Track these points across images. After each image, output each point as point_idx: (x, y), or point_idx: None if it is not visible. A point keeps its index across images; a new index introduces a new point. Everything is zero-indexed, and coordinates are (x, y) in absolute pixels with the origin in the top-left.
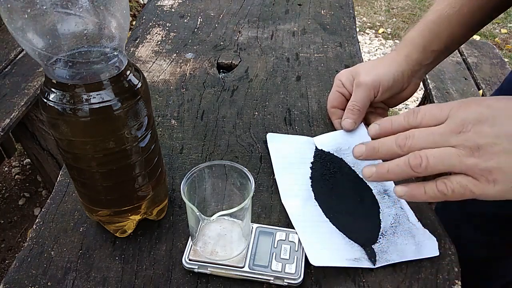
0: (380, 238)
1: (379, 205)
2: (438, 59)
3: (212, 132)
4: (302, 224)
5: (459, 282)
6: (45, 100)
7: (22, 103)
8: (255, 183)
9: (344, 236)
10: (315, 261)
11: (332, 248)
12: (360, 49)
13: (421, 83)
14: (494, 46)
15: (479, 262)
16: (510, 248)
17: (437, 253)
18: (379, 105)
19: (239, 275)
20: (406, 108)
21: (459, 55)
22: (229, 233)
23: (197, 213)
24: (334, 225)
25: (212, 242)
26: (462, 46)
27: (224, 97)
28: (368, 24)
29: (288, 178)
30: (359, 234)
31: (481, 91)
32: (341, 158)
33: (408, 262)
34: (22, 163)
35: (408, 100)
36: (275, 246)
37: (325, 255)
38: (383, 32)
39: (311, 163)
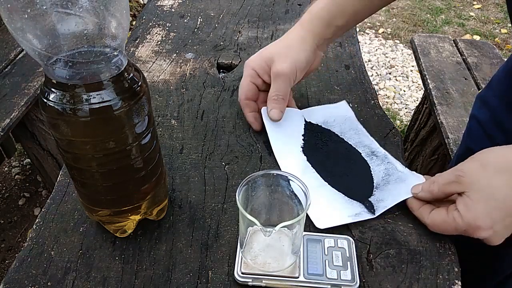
0: (375, 190)
1: (369, 164)
2: (337, 34)
3: (212, 132)
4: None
5: (459, 282)
6: (45, 100)
7: (22, 103)
8: None
9: (343, 195)
10: (320, 224)
11: (334, 209)
12: (360, 49)
13: (421, 83)
14: (494, 46)
15: (478, 259)
16: (508, 244)
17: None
18: None
19: (295, 285)
20: (406, 108)
21: (459, 55)
22: (279, 243)
23: (260, 227)
24: (333, 187)
25: (262, 253)
26: (462, 46)
27: (224, 97)
28: (368, 24)
29: (284, 149)
30: (356, 191)
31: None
32: (329, 129)
33: (408, 262)
34: (22, 163)
35: (408, 100)
36: (326, 253)
37: (329, 217)
38: (383, 32)
39: (302, 135)
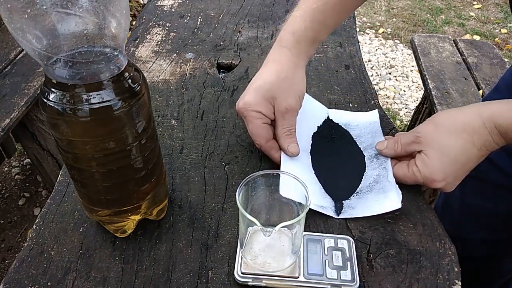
0: (353, 196)
1: (366, 168)
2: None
3: (212, 132)
4: (288, 169)
5: (459, 282)
6: (45, 100)
7: (22, 103)
8: None
9: (321, 187)
10: (283, 192)
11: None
12: (360, 49)
13: (422, 83)
14: (494, 46)
15: (479, 260)
16: (510, 246)
17: (398, 206)
18: None
19: (295, 285)
20: (406, 108)
21: (459, 55)
22: (279, 243)
23: (260, 228)
24: (316, 177)
25: (262, 253)
26: (462, 46)
27: (224, 97)
28: (368, 24)
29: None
30: (335, 189)
31: (481, 91)
32: (347, 131)
33: (408, 262)
34: (22, 163)
35: (408, 100)
36: (326, 253)
37: (295, 191)
38: (383, 32)
39: (319, 126)
